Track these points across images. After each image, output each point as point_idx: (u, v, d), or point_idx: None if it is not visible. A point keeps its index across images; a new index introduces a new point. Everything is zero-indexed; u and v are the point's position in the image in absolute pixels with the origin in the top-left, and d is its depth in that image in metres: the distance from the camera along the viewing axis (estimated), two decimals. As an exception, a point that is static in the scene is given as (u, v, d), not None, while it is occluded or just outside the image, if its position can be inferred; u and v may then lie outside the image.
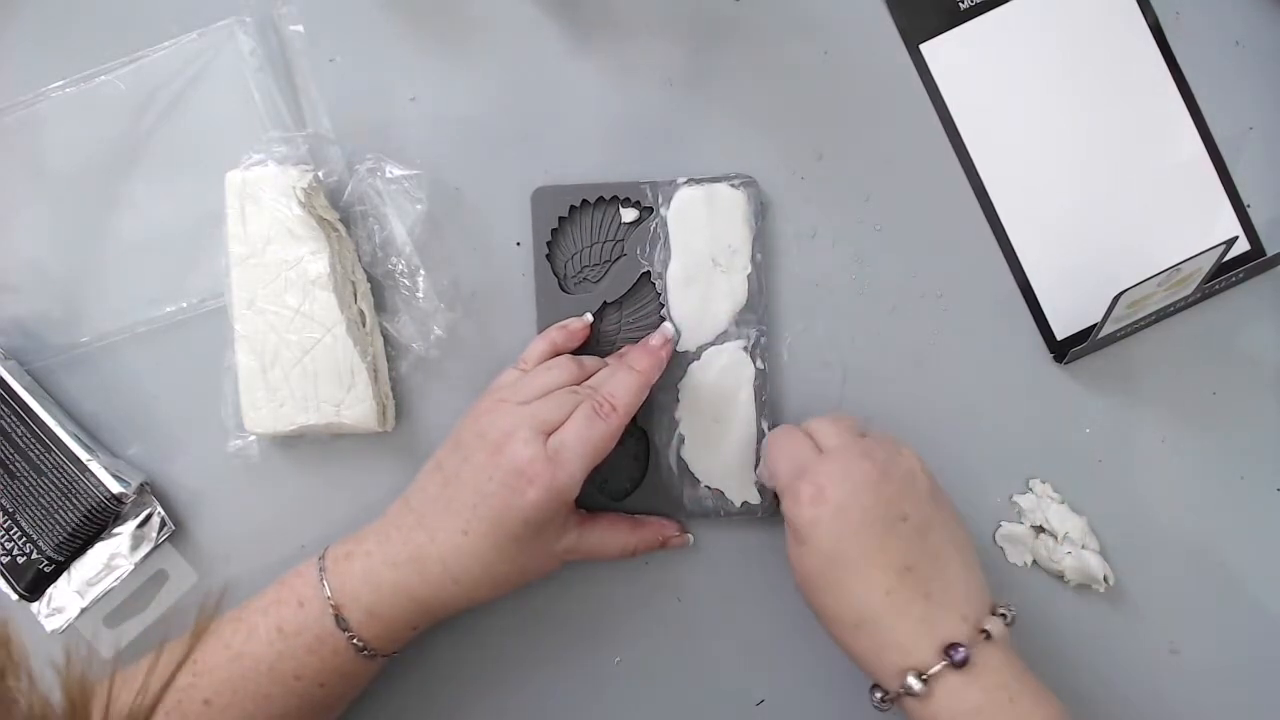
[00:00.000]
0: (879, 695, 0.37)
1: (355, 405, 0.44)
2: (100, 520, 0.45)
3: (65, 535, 0.44)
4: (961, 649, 0.35)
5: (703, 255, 0.46)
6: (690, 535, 0.46)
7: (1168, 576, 0.46)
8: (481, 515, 0.39)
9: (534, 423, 0.39)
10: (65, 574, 0.45)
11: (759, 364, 0.46)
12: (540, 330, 0.46)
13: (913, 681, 0.35)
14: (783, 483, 0.40)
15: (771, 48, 0.48)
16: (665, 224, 0.46)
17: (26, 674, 0.27)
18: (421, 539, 0.40)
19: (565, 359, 0.44)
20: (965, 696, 0.35)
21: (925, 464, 0.40)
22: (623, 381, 0.41)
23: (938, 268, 0.47)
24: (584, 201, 0.47)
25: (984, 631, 0.36)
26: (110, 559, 0.45)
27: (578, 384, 0.42)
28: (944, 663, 0.35)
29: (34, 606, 0.45)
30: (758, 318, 0.46)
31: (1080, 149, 0.48)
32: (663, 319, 0.46)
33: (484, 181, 0.48)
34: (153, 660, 0.31)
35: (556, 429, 0.39)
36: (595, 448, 0.39)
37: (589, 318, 0.46)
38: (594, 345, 0.47)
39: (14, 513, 0.44)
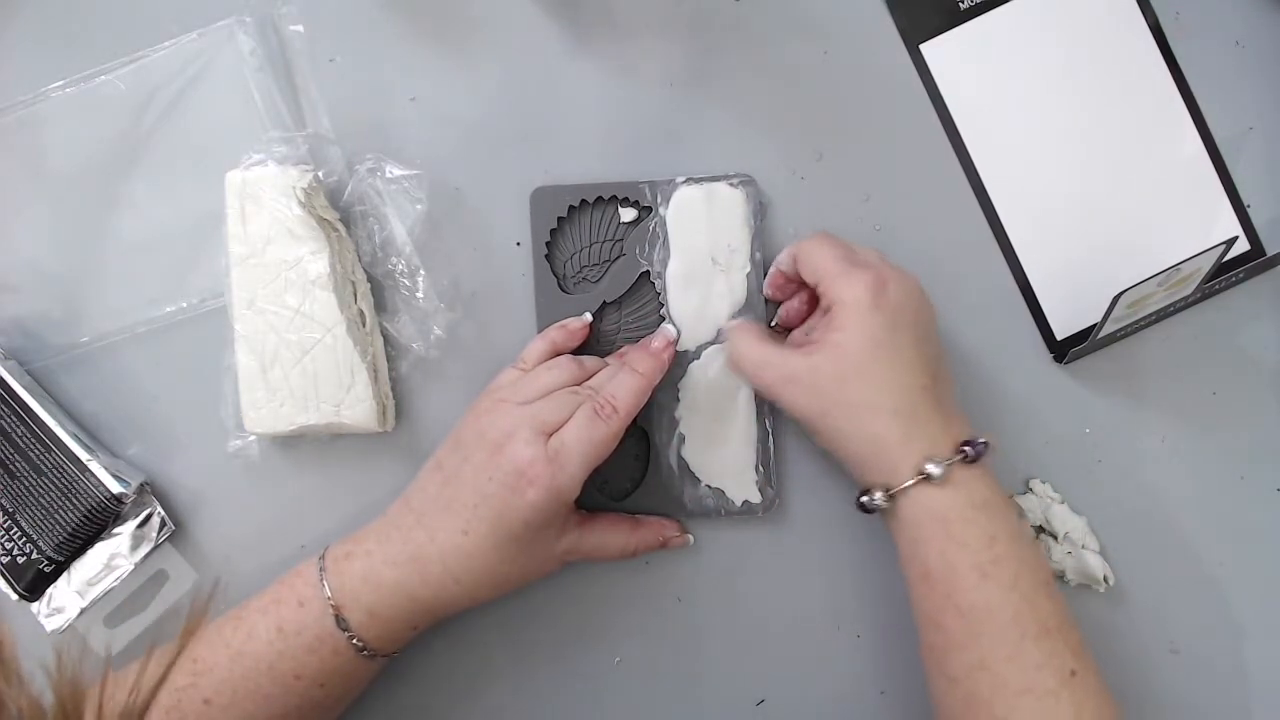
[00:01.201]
0: (879, 495, 0.38)
1: (355, 405, 0.44)
2: (100, 520, 0.45)
3: (65, 535, 0.44)
4: (979, 444, 0.38)
5: (702, 254, 0.46)
6: (690, 535, 0.46)
7: (1168, 576, 0.46)
8: (481, 515, 0.39)
9: (534, 423, 0.39)
10: (65, 574, 0.45)
11: (759, 364, 0.46)
12: (540, 330, 0.46)
13: (933, 468, 0.37)
14: (833, 268, 0.40)
15: (771, 48, 0.48)
16: (664, 223, 0.46)
17: (17, 676, 0.27)
18: (421, 539, 0.40)
19: (566, 359, 0.44)
20: (975, 489, 0.38)
21: None
22: (624, 383, 0.41)
23: (938, 267, 0.47)
24: (583, 201, 0.47)
25: (984, 441, 0.38)
26: (110, 559, 0.45)
27: (578, 384, 0.42)
28: (960, 456, 0.38)
29: (34, 606, 0.45)
30: (757, 316, 0.46)
31: (1080, 149, 0.48)
32: (662, 318, 0.46)
33: (484, 181, 0.48)
34: (144, 660, 0.31)
35: (557, 429, 0.39)
36: (596, 449, 0.39)
37: (588, 317, 0.46)
38: (594, 345, 0.47)
39: (14, 513, 0.44)
